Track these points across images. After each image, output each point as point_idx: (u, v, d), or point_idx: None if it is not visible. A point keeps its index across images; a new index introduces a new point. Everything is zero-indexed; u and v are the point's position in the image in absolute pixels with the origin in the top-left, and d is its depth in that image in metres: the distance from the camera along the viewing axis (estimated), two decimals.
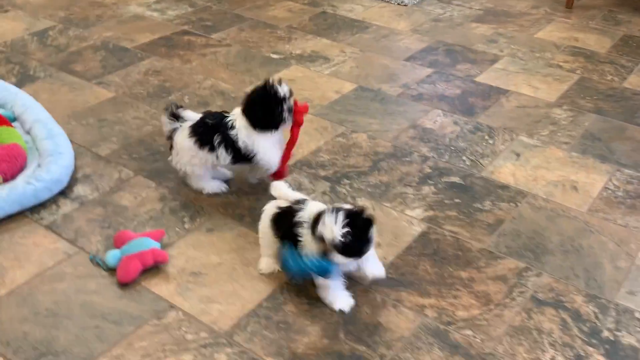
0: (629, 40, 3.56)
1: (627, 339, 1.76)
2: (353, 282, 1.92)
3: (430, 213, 2.23)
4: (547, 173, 2.44)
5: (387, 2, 4.08)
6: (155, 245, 2.00)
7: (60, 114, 2.76)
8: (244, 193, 2.32)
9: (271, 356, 1.70)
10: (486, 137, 2.66)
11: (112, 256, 1.97)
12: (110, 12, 3.87)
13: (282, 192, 1.93)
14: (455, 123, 2.76)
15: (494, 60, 3.32)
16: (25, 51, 3.35)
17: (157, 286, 1.92)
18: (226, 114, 2.21)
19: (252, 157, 2.17)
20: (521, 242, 2.10)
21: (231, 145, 2.15)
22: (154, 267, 1.97)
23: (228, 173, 2.38)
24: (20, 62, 3.23)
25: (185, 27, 3.67)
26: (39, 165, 2.35)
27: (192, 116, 2.24)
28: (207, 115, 2.23)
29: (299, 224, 1.79)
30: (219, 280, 1.95)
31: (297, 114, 2.18)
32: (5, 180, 2.26)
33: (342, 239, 1.66)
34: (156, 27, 3.67)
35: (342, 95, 2.97)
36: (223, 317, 1.82)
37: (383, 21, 3.79)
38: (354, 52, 3.39)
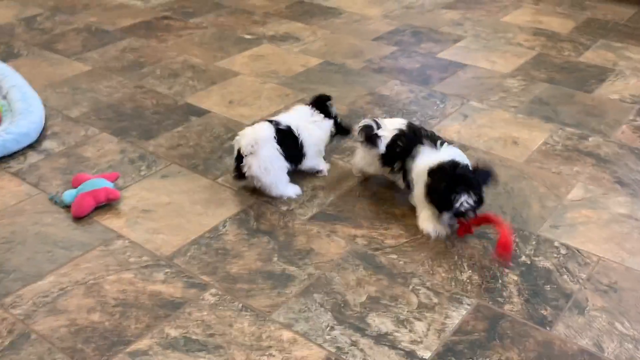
0: (591, 23, 3.70)
1: (543, 263, 1.88)
2: (293, 216, 2.07)
3: None
4: (490, 131, 2.58)
5: None
6: (109, 185, 2.16)
7: (38, 84, 2.95)
8: (201, 147, 2.47)
9: (206, 275, 1.84)
10: (438, 102, 2.80)
11: (69, 194, 2.13)
12: (97, 1, 4.09)
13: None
14: (411, 91, 2.91)
15: (458, 39, 3.48)
16: (12, 33, 3.56)
17: (108, 220, 2.07)
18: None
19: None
20: None
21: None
22: (106, 205, 2.12)
23: None
24: (6, 42, 3.44)
25: (166, 13, 3.87)
26: (11, 123, 2.53)
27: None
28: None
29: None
30: (167, 216, 2.09)
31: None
32: None
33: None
34: (138, 13, 3.87)
35: (308, 69, 3.14)
36: (166, 245, 1.96)
37: (356, 8, 3.97)
38: (325, 34, 3.56)
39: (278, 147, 2.12)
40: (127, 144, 2.49)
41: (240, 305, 1.74)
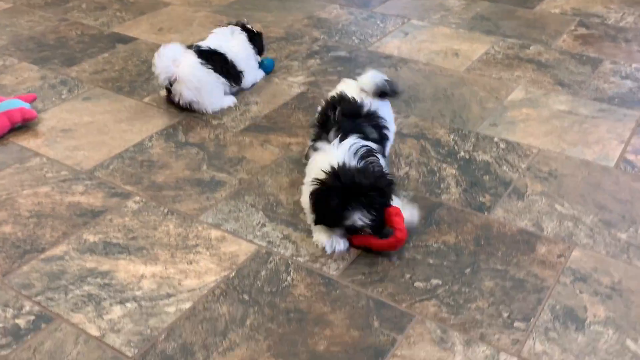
0: None
1: (482, 156, 1.83)
2: (225, 128, 1.99)
3: (312, 79, 2.28)
4: (431, 45, 2.52)
5: None
6: (25, 105, 2.02)
7: None
8: (127, 71, 2.35)
9: (129, 185, 1.74)
10: (378, 22, 2.73)
11: None
12: None
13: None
14: (351, 13, 2.83)
15: None
16: None
17: (25, 141, 1.94)
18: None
19: None
20: None
21: None
22: (23, 127, 1.99)
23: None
24: None
25: None
26: None
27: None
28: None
29: None
30: (89, 134, 1.98)
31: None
32: None
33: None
34: None
35: None
36: (87, 160, 1.85)
37: None
38: None
39: (203, 62, 2.03)
40: (48, 71, 2.35)
41: (166, 210, 1.64)
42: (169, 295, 1.38)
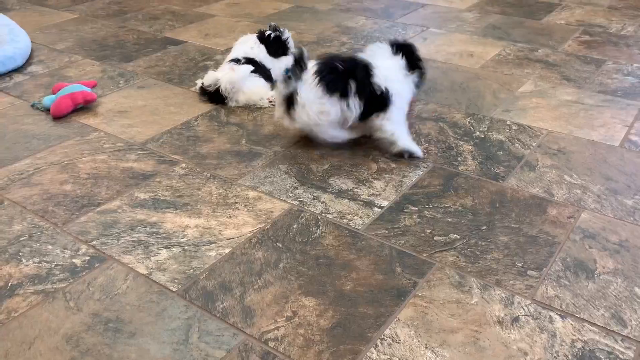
0: None
1: (496, 136, 1.78)
2: (262, 112, 1.97)
3: None
4: (448, 48, 2.48)
5: None
6: (86, 89, 2.04)
7: (28, 28, 2.82)
8: (177, 66, 2.36)
9: (177, 155, 1.72)
10: (400, 30, 2.71)
11: (48, 99, 2.01)
12: None
13: None
14: (375, 23, 2.81)
15: None
16: None
17: (86, 119, 1.95)
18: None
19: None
20: None
21: None
22: (84, 108, 2.01)
23: None
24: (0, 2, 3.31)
25: None
26: None
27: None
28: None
29: None
30: (142, 115, 1.98)
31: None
32: None
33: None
34: None
35: (279, 11, 3.03)
36: (139, 135, 1.85)
37: None
38: None
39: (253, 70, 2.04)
40: (107, 65, 2.37)
41: (209, 174, 1.62)
42: (210, 242, 1.35)
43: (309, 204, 1.48)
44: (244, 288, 1.22)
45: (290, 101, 1.62)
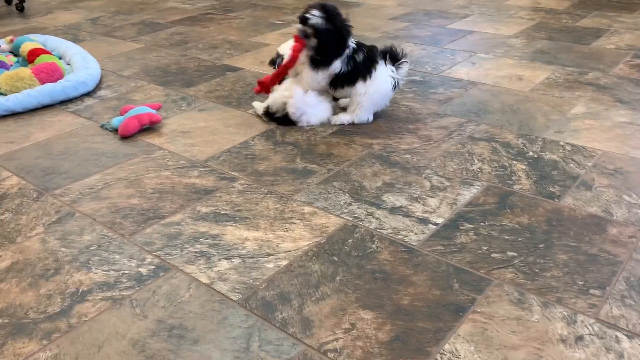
0: (586, 1, 3.54)
1: (549, 156, 1.72)
2: (315, 132, 1.97)
3: None
4: (496, 72, 2.44)
5: None
6: (152, 111, 2.09)
7: (98, 56, 2.94)
8: (235, 91, 2.40)
9: (235, 171, 1.73)
10: (448, 55, 2.68)
11: (117, 120, 2.07)
12: (151, 6, 4.12)
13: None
14: (423, 49, 2.80)
15: (465, 16, 3.36)
16: (79, 28, 3.59)
17: (151, 138, 1.99)
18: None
19: None
20: (465, 109, 2.09)
21: None
22: (150, 128, 2.06)
23: None
24: (73, 34, 3.47)
25: (209, 11, 3.86)
26: (70, 74, 2.51)
27: None
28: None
29: None
30: (202, 135, 2.01)
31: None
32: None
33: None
34: (186, 12, 3.88)
35: None
36: (201, 153, 1.87)
37: (374, 1, 3.90)
38: None
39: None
40: (170, 90, 2.43)
41: (266, 190, 1.62)
42: (268, 254, 1.34)
43: (364, 220, 1.46)
44: (302, 299, 1.20)
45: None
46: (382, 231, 1.41)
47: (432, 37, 2.98)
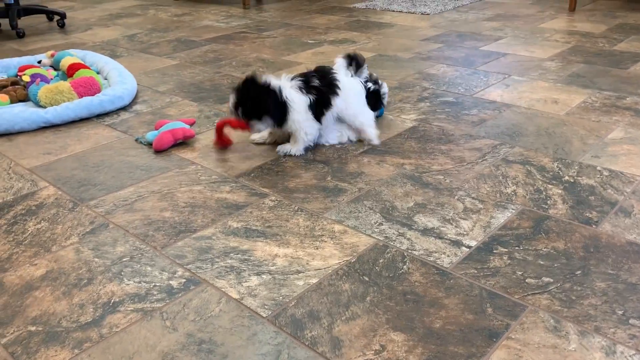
0: (623, 25, 3.50)
1: (586, 181, 1.68)
2: (346, 151, 1.97)
3: (422, 116, 2.24)
4: (531, 94, 2.41)
5: (412, 12, 4.22)
6: (186, 126, 2.12)
7: (134, 72, 3.02)
8: None
9: (266, 188, 1.75)
10: (481, 77, 2.67)
11: (151, 134, 2.11)
12: (187, 24, 4.22)
13: None
14: (456, 70, 2.79)
15: (498, 39, 3.35)
16: (117, 44, 3.70)
17: (185, 153, 2.03)
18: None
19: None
20: (499, 131, 2.07)
21: None
22: (183, 143, 2.09)
23: None
24: (111, 49, 3.57)
25: (243, 30, 3.94)
26: (107, 88, 2.58)
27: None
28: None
29: None
30: (235, 151, 2.03)
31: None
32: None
33: None
34: (220, 30, 3.96)
35: None
36: (233, 169, 1.89)
37: (407, 22, 3.93)
38: (378, 38, 3.52)
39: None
40: (204, 106, 2.48)
41: (296, 207, 1.63)
42: (298, 272, 1.34)
43: (395, 240, 1.45)
44: (332, 318, 1.19)
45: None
46: (414, 252, 1.40)
47: (465, 59, 2.98)
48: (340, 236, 1.48)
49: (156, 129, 2.16)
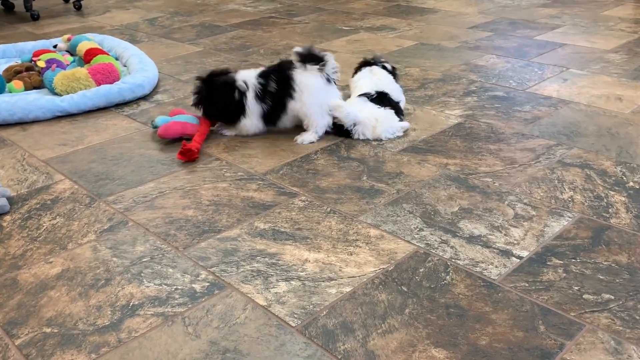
0: None
1: None
2: (383, 148, 1.98)
3: (469, 112, 2.23)
4: (591, 90, 2.37)
5: None
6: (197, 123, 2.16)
7: (155, 59, 3.08)
8: None
9: (296, 187, 1.77)
10: (535, 70, 2.64)
11: (161, 119, 2.15)
12: (212, 8, 4.28)
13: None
14: (507, 62, 2.76)
15: (555, 27, 3.30)
16: (137, 28, 3.78)
17: (209, 148, 2.06)
18: None
19: None
20: (555, 130, 2.05)
21: None
22: (208, 137, 2.12)
23: None
24: (130, 34, 3.65)
25: (272, 15, 3.98)
26: (127, 76, 2.64)
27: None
28: None
29: None
30: (262, 146, 2.06)
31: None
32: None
33: None
34: (247, 15, 4.01)
35: (402, 48, 3.08)
36: (260, 166, 1.92)
37: (452, 8, 3.90)
38: (420, 25, 3.51)
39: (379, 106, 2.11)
40: None
41: (329, 209, 1.64)
42: (330, 279, 1.36)
43: (437, 248, 1.45)
44: (367, 331, 1.20)
45: None
46: (458, 262, 1.40)
47: (517, 49, 2.94)
48: (377, 242, 1.48)
49: (170, 116, 2.20)
